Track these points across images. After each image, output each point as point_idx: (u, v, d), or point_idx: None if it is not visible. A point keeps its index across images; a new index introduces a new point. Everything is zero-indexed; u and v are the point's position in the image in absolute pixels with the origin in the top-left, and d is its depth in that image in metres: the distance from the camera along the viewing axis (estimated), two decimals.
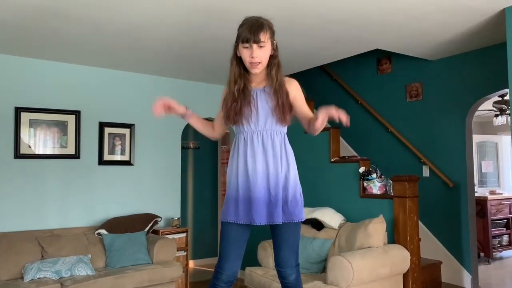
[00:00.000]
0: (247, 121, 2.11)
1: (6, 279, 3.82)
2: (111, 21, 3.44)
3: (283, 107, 2.11)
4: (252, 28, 2.03)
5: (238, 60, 2.13)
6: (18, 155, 4.33)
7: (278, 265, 2.20)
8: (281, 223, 2.09)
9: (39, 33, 3.69)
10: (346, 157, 4.68)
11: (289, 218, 2.11)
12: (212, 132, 2.38)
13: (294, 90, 2.17)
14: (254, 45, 2.03)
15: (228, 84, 2.16)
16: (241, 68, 2.13)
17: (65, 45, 4.05)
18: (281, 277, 2.21)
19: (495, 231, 6.44)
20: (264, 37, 2.04)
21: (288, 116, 2.15)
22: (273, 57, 2.13)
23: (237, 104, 2.10)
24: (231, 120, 2.13)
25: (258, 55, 2.04)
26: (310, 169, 4.79)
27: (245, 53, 2.06)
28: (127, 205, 4.96)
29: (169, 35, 3.79)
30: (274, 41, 2.12)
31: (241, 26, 2.09)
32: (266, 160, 2.11)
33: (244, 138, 2.14)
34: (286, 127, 2.21)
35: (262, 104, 2.12)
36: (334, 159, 4.64)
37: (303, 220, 2.16)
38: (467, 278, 4.49)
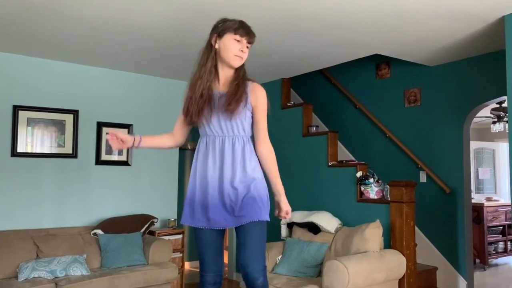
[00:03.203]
0: (207, 123, 2.12)
1: (1, 278, 3.80)
2: (110, 21, 3.44)
3: (234, 97, 2.07)
4: (248, 28, 2.13)
5: (214, 52, 2.13)
6: (15, 153, 4.31)
7: (243, 266, 2.10)
8: (243, 225, 2.07)
9: (38, 31, 3.68)
10: (344, 161, 4.68)
11: (243, 220, 2.06)
12: (172, 141, 2.32)
13: (259, 99, 2.15)
14: (245, 42, 2.12)
15: (192, 78, 2.17)
16: (213, 63, 2.14)
17: (64, 44, 4.04)
18: (247, 280, 2.11)
19: (491, 237, 6.45)
20: (254, 41, 2.16)
21: (239, 108, 2.08)
22: (243, 64, 2.20)
23: (201, 98, 2.09)
24: (192, 116, 2.10)
25: (245, 52, 2.13)
26: (308, 173, 4.78)
27: (234, 45, 2.10)
28: (123, 205, 4.94)
29: (168, 35, 3.79)
30: None
31: (227, 21, 2.13)
32: (222, 165, 2.10)
33: (206, 141, 2.16)
34: (249, 133, 2.17)
35: (221, 108, 2.09)
36: (331, 163, 4.64)
37: (262, 220, 2.09)
38: (462, 284, 4.49)
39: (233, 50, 2.09)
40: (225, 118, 2.09)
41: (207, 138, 2.15)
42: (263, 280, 2.12)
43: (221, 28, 2.12)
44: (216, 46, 2.12)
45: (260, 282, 2.11)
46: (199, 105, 2.10)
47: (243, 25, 2.12)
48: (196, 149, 2.20)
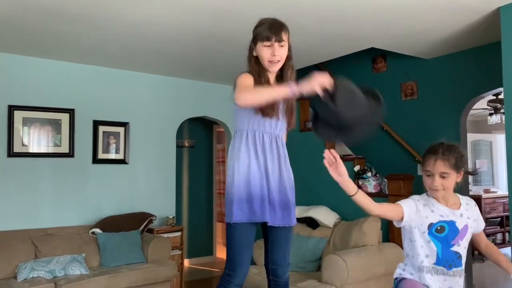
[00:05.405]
0: (269, 122, 2.10)
1: (0, 278, 3.79)
2: (106, 19, 3.41)
3: (292, 110, 2.20)
4: (274, 27, 2.04)
5: (255, 59, 2.10)
6: (11, 153, 4.30)
7: (275, 263, 2.21)
8: (282, 226, 2.16)
9: (33, 31, 3.66)
10: (341, 156, 4.67)
11: (292, 221, 2.19)
12: None
13: None
14: (276, 44, 2.03)
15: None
16: (260, 67, 2.10)
17: (59, 43, 4.02)
18: (275, 275, 2.21)
19: (489, 229, 6.46)
20: (285, 36, 2.06)
21: (294, 119, 2.23)
22: (288, 59, 2.13)
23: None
24: (266, 113, 2.06)
25: (279, 54, 2.05)
26: (305, 168, 4.78)
27: (265, 52, 2.04)
28: (121, 204, 4.93)
29: (164, 33, 3.77)
30: (291, 43, 2.14)
31: (258, 26, 2.08)
32: (279, 163, 2.14)
33: (259, 137, 2.10)
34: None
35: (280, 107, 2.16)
36: None
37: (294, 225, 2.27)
38: None
39: (266, 57, 2.04)
40: (282, 118, 2.17)
41: (257, 133, 2.10)
42: (288, 275, 2.28)
43: (254, 36, 2.09)
44: (255, 54, 2.10)
45: (287, 276, 2.25)
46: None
47: (267, 28, 2.03)
48: (247, 145, 2.10)
